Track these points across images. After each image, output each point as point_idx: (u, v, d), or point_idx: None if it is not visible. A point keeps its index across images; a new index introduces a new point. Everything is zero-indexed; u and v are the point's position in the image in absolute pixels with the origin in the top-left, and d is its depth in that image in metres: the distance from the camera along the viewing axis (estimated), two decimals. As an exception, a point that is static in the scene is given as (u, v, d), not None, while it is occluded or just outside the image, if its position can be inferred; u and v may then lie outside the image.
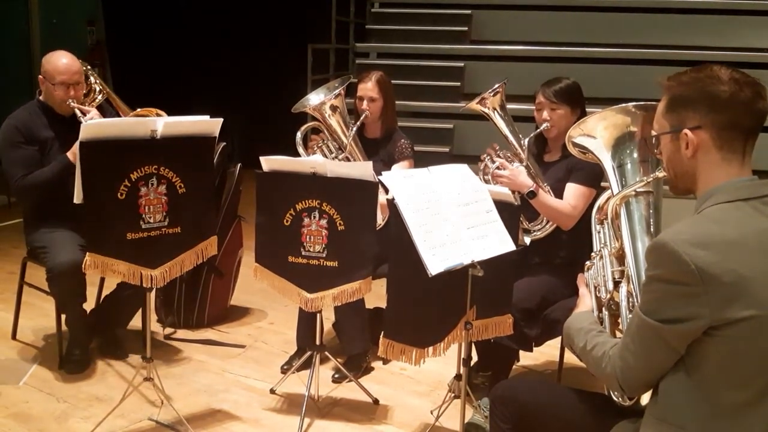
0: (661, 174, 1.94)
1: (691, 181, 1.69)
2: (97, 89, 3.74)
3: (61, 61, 3.37)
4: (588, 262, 2.18)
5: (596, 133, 2.20)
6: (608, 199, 2.20)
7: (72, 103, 3.36)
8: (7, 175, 3.35)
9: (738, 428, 1.56)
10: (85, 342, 3.51)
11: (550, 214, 3.05)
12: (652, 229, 2.04)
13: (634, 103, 2.14)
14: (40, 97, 3.47)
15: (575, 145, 2.29)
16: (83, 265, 2.77)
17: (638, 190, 2.06)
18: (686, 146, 1.65)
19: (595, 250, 2.20)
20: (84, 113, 3.36)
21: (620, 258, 2.09)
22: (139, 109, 3.67)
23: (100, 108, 3.56)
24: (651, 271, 1.59)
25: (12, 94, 8.30)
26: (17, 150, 3.34)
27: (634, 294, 1.97)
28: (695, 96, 1.64)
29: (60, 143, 3.36)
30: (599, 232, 2.22)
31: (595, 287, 2.09)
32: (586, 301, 2.07)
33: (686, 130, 1.65)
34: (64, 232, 3.36)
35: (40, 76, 3.40)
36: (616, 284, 2.04)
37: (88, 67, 3.73)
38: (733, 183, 1.62)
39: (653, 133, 1.78)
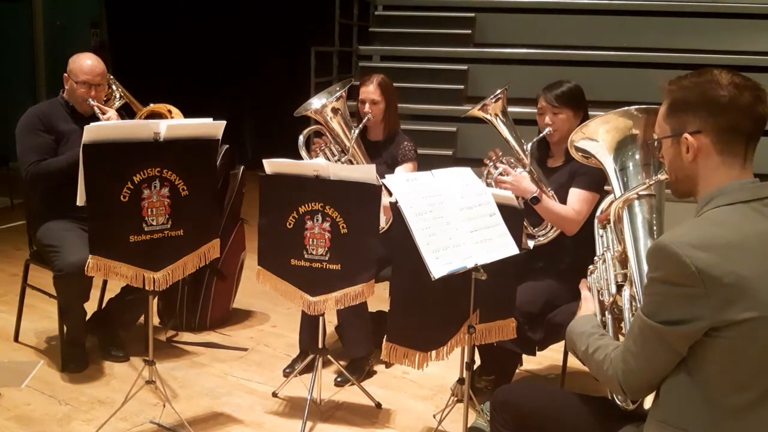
0: (663, 177, 1.95)
1: (692, 185, 1.70)
2: (117, 96, 3.88)
3: (86, 62, 3.49)
4: (591, 266, 2.18)
5: (598, 137, 2.20)
6: (611, 202, 2.20)
7: (92, 102, 3.45)
8: (20, 161, 3.44)
9: (741, 430, 1.56)
10: (83, 340, 3.52)
11: (553, 219, 3.04)
12: (654, 232, 2.03)
13: (636, 106, 2.14)
14: (64, 95, 3.56)
15: (577, 149, 2.29)
16: (86, 268, 2.77)
17: (641, 192, 2.06)
18: (687, 150, 1.66)
19: (598, 253, 2.19)
20: (103, 112, 3.45)
21: (623, 261, 2.08)
22: (152, 105, 3.72)
23: (119, 113, 3.61)
24: (652, 273, 1.60)
25: (16, 95, 8.35)
26: (34, 136, 3.43)
27: (637, 297, 1.96)
28: (695, 100, 1.64)
29: (76, 138, 3.38)
30: (602, 236, 2.22)
31: (598, 291, 2.09)
32: (588, 305, 2.06)
33: (687, 134, 1.65)
34: (74, 231, 3.36)
35: (65, 74, 3.52)
36: (619, 287, 2.04)
37: (111, 76, 3.84)
38: (734, 185, 1.63)
39: (654, 136, 1.78)
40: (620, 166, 2.16)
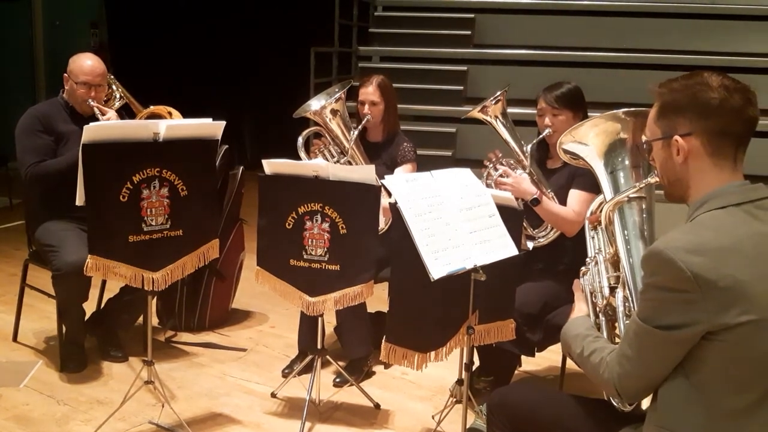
0: (653, 180, 1.95)
1: (683, 188, 1.69)
2: (117, 96, 3.88)
3: (86, 63, 3.48)
4: (583, 268, 2.18)
5: (588, 140, 2.21)
6: (601, 204, 2.21)
7: (91, 102, 3.44)
8: (19, 162, 3.43)
9: (740, 433, 1.56)
10: (82, 340, 3.52)
11: (553, 220, 3.04)
12: (645, 235, 2.04)
13: (624, 110, 2.15)
14: (64, 95, 3.55)
15: (566, 152, 2.29)
16: (85, 268, 2.77)
17: (631, 195, 2.06)
18: (677, 152, 1.66)
19: (589, 255, 2.19)
20: (103, 113, 3.45)
21: (615, 263, 2.09)
22: (152, 107, 3.72)
23: (119, 114, 3.61)
24: (648, 278, 1.60)
25: (16, 95, 8.35)
26: (34, 137, 3.42)
27: (630, 299, 1.97)
28: (686, 103, 1.64)
29: (75, 139, 3.37)
30: (593, 238, 2.23)
31: (591, 293, 2.10)
32: (581, 307, 2.07)
33: (677, 137, 1.65)
34: (73, 231, 3.36)
35: (65, 74, 3.51)
36: (612, 289, 2.04)
37: (112, 77, 3.84)
38: (725, 189, 1.63)
39: (644, 139, 1.78)
40: (611, 169, 2.17)
